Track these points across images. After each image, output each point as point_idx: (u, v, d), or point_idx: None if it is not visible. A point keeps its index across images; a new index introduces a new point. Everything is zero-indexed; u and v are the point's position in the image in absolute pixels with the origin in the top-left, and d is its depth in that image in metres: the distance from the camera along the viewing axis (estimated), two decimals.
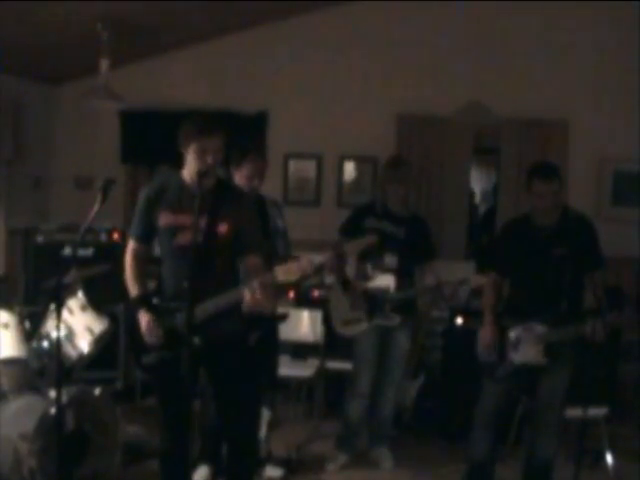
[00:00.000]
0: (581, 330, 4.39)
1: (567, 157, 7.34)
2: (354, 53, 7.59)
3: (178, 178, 4.00)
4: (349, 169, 7.66)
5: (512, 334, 4.62)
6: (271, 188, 7.59)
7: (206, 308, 3.84)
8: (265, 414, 5.24)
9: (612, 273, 7.10)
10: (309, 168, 7.73)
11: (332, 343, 6.23)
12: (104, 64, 6.52)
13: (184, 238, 3.88)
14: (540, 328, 4.53)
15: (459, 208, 7.61)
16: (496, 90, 7.32)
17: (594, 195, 7.43)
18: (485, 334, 4.71)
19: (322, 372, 6.28)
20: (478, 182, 10.65)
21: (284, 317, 5.49)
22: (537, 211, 4.61)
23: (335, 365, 6.32)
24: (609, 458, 5.59)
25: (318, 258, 4.50)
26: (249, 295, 3.77)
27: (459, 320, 6.06)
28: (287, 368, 6.21)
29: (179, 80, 7.75)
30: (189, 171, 3.94)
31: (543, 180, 4.53)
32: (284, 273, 3.76)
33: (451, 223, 7.52)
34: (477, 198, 10.52)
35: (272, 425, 5.41)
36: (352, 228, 5.43)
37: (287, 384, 6.62)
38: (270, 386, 5.32)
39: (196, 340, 3.72)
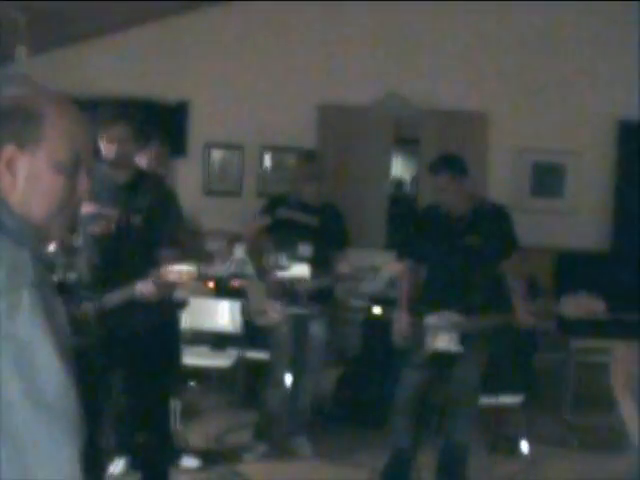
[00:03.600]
0: (508, 318, 4.46)
1: (487, 148, 7.43)
2: (275, 43, 7.57)
3: (100, 168, 3.92)
4: (270, 159, 7.64)
5: (427, 321, 4.66)
6: (192, 178, 7.68)
7: (115, 297, 3.79)
8: (176, 404, 5.22)
9: (530, 264, 7.23)
10: (230, 158, 7.68)
11: (252, 333, 6.19)
12: (21, 52, 6.39)
13: (99, 227, 3.89)
14: (455, 316, 4.57)
15: (379, 198, 7.63)
16: (416, 81, 7.36)
17: (514, 186, 7.51)
18: (399, 321, 4.73)
19: (242, 362, 6.23)
20: (408, 172, 10.74)
21: (184, 304, 5.41)
22: (443, 202, 4.66)
23: (255, 355, 6.28)
24: (525, 445, 5.68)
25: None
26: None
27: (377, 310, 6.08)
28: (206, 359, 6.20)
29: (100, 69, 7.61)
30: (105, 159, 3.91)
31: (431, 172, 4.61)
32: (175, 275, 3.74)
33: (371, 212, 7.54)
34: (408, 187, 10.61)
35: (186, 415, 5.37)
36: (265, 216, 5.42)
37: (208, 375, 6.62)
38: (175, 376, 5.27)
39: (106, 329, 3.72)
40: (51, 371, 1.50)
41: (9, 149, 1.59)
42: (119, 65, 7.61)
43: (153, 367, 4.09)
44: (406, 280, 4.88)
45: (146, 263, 3.96)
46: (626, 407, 3.88)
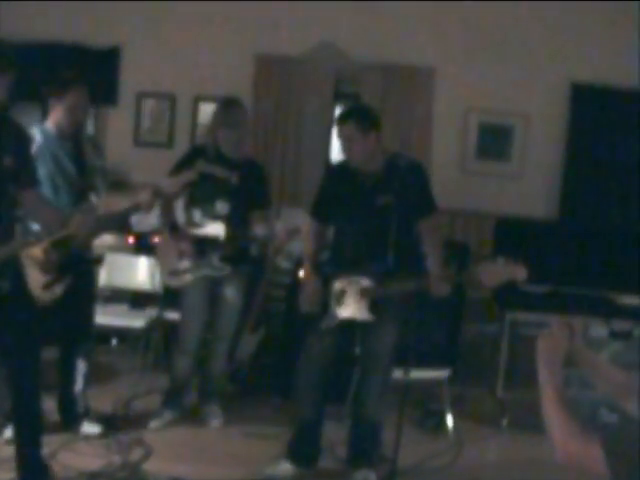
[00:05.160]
0: (422, 284, 4.12)
1: (431, 106, 7.07)
2: None
3: None
4: (205, 110, 7.20)
5: (336, 286, 4.34)
6: (123, 128, 7.30)
7: None
8: (81, 366, 4.91)
9: (469, 230, 6.94)
10: (162, 108, 7.29)
11: (172, 293, 5.85)
12: None
13: None
14: (366, 282, 4.25)
15: (319, 154, 7.25)
16: (357, 33, 6.97)
17: (458, 147, 7.17)
18: (305, 284, 4.41)
19: (158, 323, 5.91)
20: None
21: (99, 261, 5.07)
22: (348, 156, 4.33)
23: (174, 316, 5.95)
24: (450, 421, 5.42)
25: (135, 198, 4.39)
26: None
27: (301, 272, 5.76)
28: (121, 318, 5.90)
29: (30, 12, 7.15)
30: None
31: (338, 123, 4.32)
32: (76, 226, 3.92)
33: (310, 171, 7.15)
34: None
35: (97, 378, 5.06)
36: (182, 170, 5.04)
37: (124, 335, 6.33)
38: (85, 337, 4.96)
39: None
40: None
41: None
42: (48, 8, 7.14)
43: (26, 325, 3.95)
44: (309, 240, 4.56)
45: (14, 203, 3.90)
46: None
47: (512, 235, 6.23)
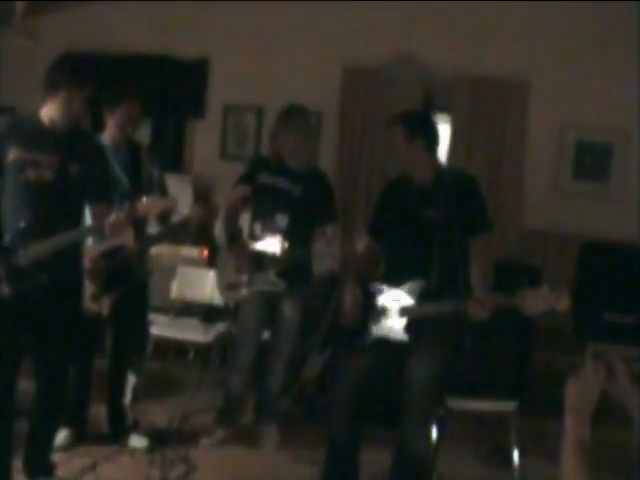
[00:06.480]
0: (459, 307, 3.82)
1: (525, 122, 6.73)
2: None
3: (34, 117, 3.82)
4: None
5: (379, 302, 4.11)
6: (209, 141, 7.27)
7: (46, 246, 3.69)
8: (131, 379, 4.87)
9: (561, 251, 6.56)
10: (249, 121, 7.21)
11: None
12: (19, 6, 6.30)
13: (34, 174, 3.74)
14: (407, 300, 4.00)
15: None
16: (446, 46, 6.73)
17: (554, 166, 6.80)
18: (347, 298, 4.18)
19: (226, 338, 5.79)
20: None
21: (147, 274, 4.96)
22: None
23: None
24: (516, 456, 5.07)
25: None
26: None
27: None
28: (189, 332, 5.85)
29: (118, 25, 7.25)
30: (50, 113, 3.78)
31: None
32: (145, 208, 3.94)
33: None
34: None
35: (138, 392, 4.99)
36: (245, 183, 4.92)
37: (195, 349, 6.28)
38: (136, 350, 4.91)
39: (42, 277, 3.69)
40: None
41: None
42: (138, 21, 7.21)
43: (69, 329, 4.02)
44: (359, 258, 4.32)
45: (78, 215, 3.96)
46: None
47: (599, 260, 5.81)
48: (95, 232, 4.01)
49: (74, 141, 3.85)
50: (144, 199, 3.98)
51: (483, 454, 5.21)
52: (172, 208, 4.20)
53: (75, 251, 3.95)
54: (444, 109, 6.94)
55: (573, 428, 2.09)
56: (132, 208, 3.87)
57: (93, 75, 3.81)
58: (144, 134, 7.59)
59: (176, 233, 5.55)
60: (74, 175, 3.80)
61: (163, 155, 7.52)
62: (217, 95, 7.20)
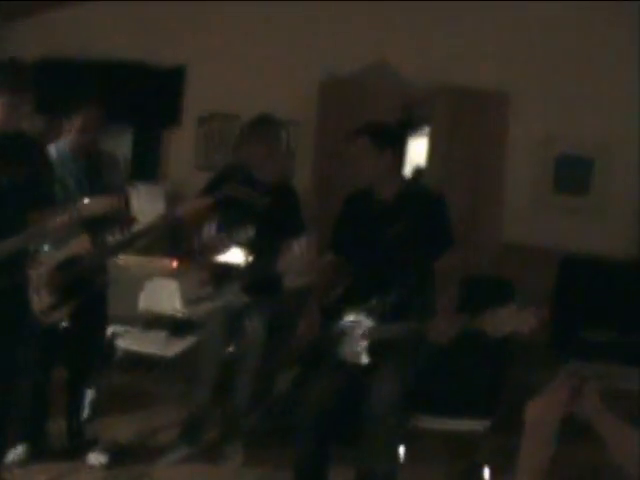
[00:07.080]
0: (418, 329, 3.69)
1: (505, 135, 6.63)
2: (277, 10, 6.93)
3: None
4: None
5: (339, 325, 3.97)
6: (184, 151, 7.16)
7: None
8: (89, 394, 4.73)
9: (539, 267, 6.43)
10: (226, 130, 7.08)
11: None
12: None
13: None
14: (367, 322, 3.86)
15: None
16: (423, 56, 6.64)
17: (534, 180, 6.71)
18: (305, 322, 4.05)
19: (193, 352, 5.64)
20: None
21: (106, 284, 4.82)
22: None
23: None
24: (486, 475, 4.93)
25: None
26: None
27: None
28: (154, 345, 5.71)
29: (94, 31, 7.12)
30: None
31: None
32: (87, 208, 3.83)
33: None
34: None
35: (96, 407, 4.85)
36: (208, 194, 4.80)
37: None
38: (94, 363, 4.77)
39: None
40: None
41: None
42: (114, 27, 7.11)
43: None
44: (320, 276, 4.18)
45: (20, 221, 3.80)
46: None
47: (578, 275, 5.70)
48: (38, 237, 3.91)
49: (15, 147, 3.76)
50: (85, 199, 3.86)
51: (456, 473, 5.07)
52: (119, 206, 4.06)
53: (18, 258, 3.84)
54: (423, 121, 6.83)
55: (529, 453, 1.99)
56: (75, 209, 3.77)
57: (31, 79, 3.74)
58: (124, 144, 7.50)
59: (139, 242, 5.42)
60: (13, 181, 3.72)
61: (141, 165, 7.43)
62: (193, 104, 7.08)
